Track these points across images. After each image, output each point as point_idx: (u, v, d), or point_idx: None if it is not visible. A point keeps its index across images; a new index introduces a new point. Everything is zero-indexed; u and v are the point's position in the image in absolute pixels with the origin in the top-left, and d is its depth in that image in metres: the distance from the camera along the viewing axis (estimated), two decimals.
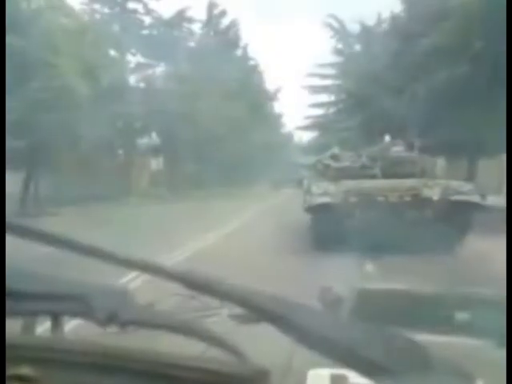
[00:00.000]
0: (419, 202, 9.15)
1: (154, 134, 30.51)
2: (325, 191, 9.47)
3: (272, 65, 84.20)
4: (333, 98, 38.65)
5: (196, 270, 0.78)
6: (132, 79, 26.47)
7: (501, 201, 13.82)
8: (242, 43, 40.04)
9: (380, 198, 9.29)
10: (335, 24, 36.36)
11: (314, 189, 9.68)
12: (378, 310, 1.65)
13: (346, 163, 11.19)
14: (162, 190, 28.66)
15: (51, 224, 11.51)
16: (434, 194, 9.27)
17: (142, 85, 26.29)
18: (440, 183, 9.73)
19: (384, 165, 10.75)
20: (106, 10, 24.82)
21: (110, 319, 0.75)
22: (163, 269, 0.79)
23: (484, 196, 10.83)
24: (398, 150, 11.72)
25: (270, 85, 48.00)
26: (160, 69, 29.09)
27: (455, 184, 9.72)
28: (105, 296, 0.79)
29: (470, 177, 16.89)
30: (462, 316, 1.53)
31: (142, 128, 27.91)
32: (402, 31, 14.48)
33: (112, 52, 24.23)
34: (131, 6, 25.82)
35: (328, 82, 38.31)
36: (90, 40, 18.17)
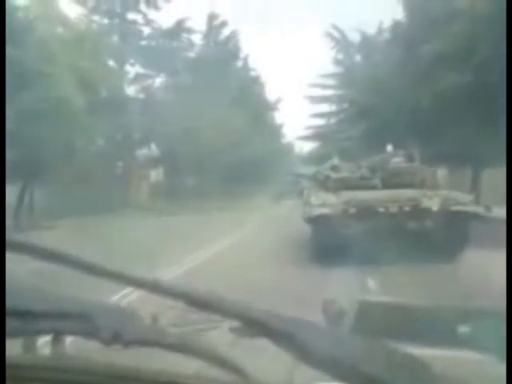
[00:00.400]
0: (419, 212, 9.16)
1: (153, 146, 30.19)
2: (324, 202, 9.46)
3: (273, 75, 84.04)
4: (334, 108, 38.49)
5: (197, 288, 0.78)
6: (131, 90, 26.25)
7: (504, 212, 13.14)
8: (242, 54, 39.96)
9: (380, 209, 9.26)
10: (336, 34, 36.19)
11: (313, 200, 9.68)
12: (379, 322, 1.64)
13: (345, 174, 11.24)
14: (161, 203, 28.29)
15: (45, 238, 11.18)
16: (434, 204, 9.26)
17: (141, 95, 26.01)
18: (439, 194, 9.72)
19: (384, 175, 10.78)
20: (106, 21, 24.66)
21: (115, 338, 0.76)
22: (163, 286, 0.80)
23: (489, 207, 10.56)
24: (398, 160, 11.74)
25: (270, 95, 47.74)
26: (160, 79, 28.90)
27: (455, 195, 9.72)
28: (109, 315, 0.81)
29: (473, 187, 16.50)
30: (463, 329, 1.53)
31: (141, 139, 27.59)
32: (403, 38, 14.15)
33: (110, 62, 24.02)
34: (131, 16, 25.73)
35: (329, 92, 38.11)
36: (87, 50, 17.91)
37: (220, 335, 1.04)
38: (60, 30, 17.34)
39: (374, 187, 10.38)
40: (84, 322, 0.77)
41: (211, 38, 35.60)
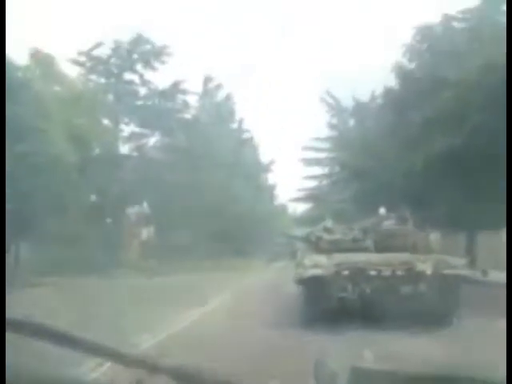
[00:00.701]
0: (413, 276, 9.12)
1: (145, 204, 30.03)
2: (316, 263, 9.35)
3: (267, 137, 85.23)
4: (327, 170, 38.83)
5: (187, 363, 0.77)
6: (125, 148, 26.36)
7: (501, 276, 13.22)
8: (237, 117, 40.65)
9: (372, 272, 9.18)
10: (330, 100, 37.04)
11: (306, 261, 9.59)
12: None
13: (338, 236, 11.23)
14: (152, 262, 27.76)
15: (30, 296, 10.72)
16: (427, 268, 9.22)
17: (134, 154, 26.09)
18: (433, 258, 9.72)
19: (376, 238, 10.78)
20: (103, 80, 25.11)
21: None
22: (153, 363, 0.76)
23: (485, 271, 10.28)
24: (390, 223, 11.81)
25: (264, 157, 48.14)
26: (154, 139, 29.15)
27: (447, 258, 9.73)
28: None
29: (468, 251, 16.28)
30: None
31: (133, 197, 27.44)
32: (395, 104, 14.34)
33: (105, 121, 24.26)
34: (127, 76, 26.19)
35: (323, 155, 38.54)
36: (82, 108, 18.10)
37: None
38: (57, 88, 17.56)
39: (366, 249, 10.37)
40: None
41: (206, 100, 36.27)
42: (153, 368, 0.76)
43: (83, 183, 19.68)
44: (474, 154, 12.48)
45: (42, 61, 18.53)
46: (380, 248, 10.15)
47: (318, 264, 9.31)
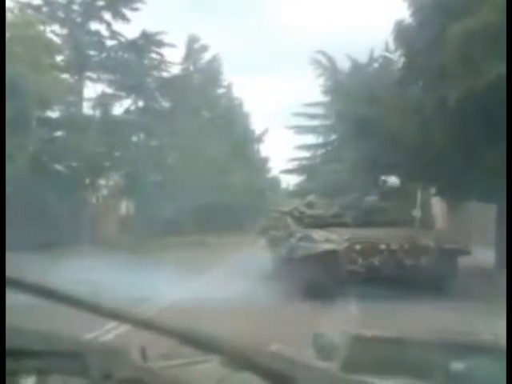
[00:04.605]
0: (417, 249, 9.98)
1: (124, 175, 27.46)
2: (327, 238, 10.00)
3: (257, 105, 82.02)
4: (321, 139, 36.52)
5: (195, 327, 0.78)
6: (95, 110, 23.47)
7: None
8: (225, 82, 37.98)
9: (382, 246, 9.87)
10: (324, 61, 34.27)
11: (316, 236, 10.11)
12: (373, 357, 1.66)
13: (320, 211, 11.88)
14: (130, 238, 25.47)
15: None
16: (430, 242, 10.17)
17: (105, 116, 23.27)
18: (433, 233, 11.39)
19: (355, 213, 11.51)
20: (64, 31, 21.90)
21: (105, 378, 0.76)
22: (155, 324, 0.80)
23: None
24: (372, 199, 12.92)
25: (255, 126, 45.62)
26: (129, 100, 26.24)
27: (446, 234, 11.32)
28: (99, 353, 0.82)
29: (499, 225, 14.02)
30: (457, 366, 1.52)
31: (109, 167, 24.84)
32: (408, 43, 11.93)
33: (67, 77, 21.41)
34: (93, 26, 22.42)
35: (316, 122, 36.06)
36: (36, 60, 15.36)
37: (210, 369, 1.00)
38: (7, 34, 14.76)
39: (345, 224, 11.00)
40: (73, 360, 0.77)
41: (190, 61, 33.50)
42: (159, 330, 0.76)
43: (42, 150, 17.21)
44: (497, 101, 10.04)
45: None
46: (359, 223, 10.88)
47: (330, 239, 9.96)
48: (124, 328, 4.82)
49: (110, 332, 6.14)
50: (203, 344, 0.77)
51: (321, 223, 10.88)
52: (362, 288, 8.66)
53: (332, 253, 9.61)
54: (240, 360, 0.76)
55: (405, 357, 1.66)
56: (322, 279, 9.41)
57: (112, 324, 5.40)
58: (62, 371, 0.82)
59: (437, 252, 9.91)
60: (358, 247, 9.75)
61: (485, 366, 1.47)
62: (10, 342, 0.76)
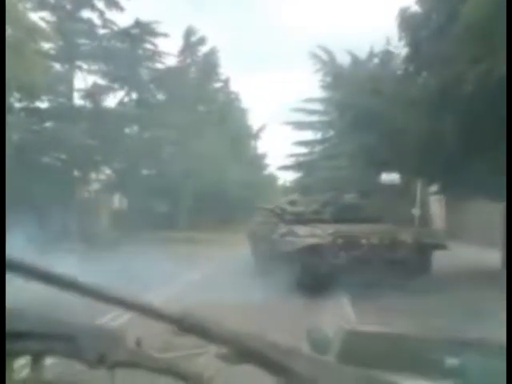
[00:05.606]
0: (395, 244, 10.45)
1: (116, 168, 26.71)
2: (312, 233, 10.33)
3: (255, 100, 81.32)
4: (319, 136, 35.90)
5: (193, 314, 0.77)
6: (86, 101, 22.66)
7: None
8: (222, 76, 37.18)
9: (363, 241, 10.35)
10: (324, 56, 33.56)
11: (300, 232, 10.45)
12: (366, 351, 1.64)
13: (300, 208, 12.28)
14: (121, 234, 24.75)
15: None
16: (408, 237, 10.64)
17: (97, 108, 22.46)
18: (413, 229, 12.37)
19: (333, 210, 11.90)
20: (54, 18, 21.06)
21: (100, 360, 0.75)
22: (156, 310, 0.79)
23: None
24: (350, 197, 13.43)
25: (253, 122, 44.99)
26: (121, 92, 25.43)
27: (425, 230, 11.91)
28: (94, 336, 0.80)
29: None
30: (451, 361, 1.53)
31: (100, 160, 24.07)
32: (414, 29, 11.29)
33: (57, 67, 20.66)
34: (84, 14, 21.61)
35: (315, 117, 35.40)
36: (25, 49, 14.55)
37: (207, 361, 0.99)
38: None
39: (324, 221, 11.26)
40: (69, 343, 0.76)
41: (187, 53, 32.69)
42: (157, 316, 0.75)
43: (29, 142, 16.45)
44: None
45: None
46: (337, 219, 11.18)
47: (315, 234, 10.32)
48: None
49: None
50: (204, 332, 0.77)
51: (301, 219, 11.31)
52: (346, 279, 9.21)
53: (317, 246, 10.00)
54: (240, 349, 0.75)
55: (399, 351, 1.69)
56: (306, 272, 9.89)
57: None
58: (57, 353, 0.82)
59: (413, 246, 10.45)
60: (340, 241, 10.18)
61: (477, 362, 1.48)
62: (7, 324, 0.76)
